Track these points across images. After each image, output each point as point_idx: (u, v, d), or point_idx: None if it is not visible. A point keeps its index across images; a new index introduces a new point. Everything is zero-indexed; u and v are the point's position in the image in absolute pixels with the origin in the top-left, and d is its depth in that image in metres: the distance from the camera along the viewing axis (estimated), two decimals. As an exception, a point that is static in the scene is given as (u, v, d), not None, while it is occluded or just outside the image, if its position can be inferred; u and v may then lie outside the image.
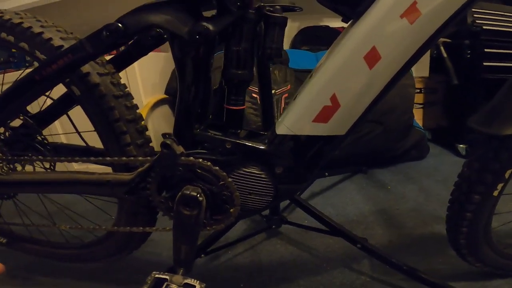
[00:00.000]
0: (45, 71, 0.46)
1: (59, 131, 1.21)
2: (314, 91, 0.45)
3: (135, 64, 1.36)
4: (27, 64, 1.43)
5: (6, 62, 1.35)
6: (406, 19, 0.40)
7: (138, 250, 0.72)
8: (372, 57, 0.41)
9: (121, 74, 1.35)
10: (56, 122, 1.23)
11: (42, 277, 0.81)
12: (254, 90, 1.21)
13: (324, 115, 0.44)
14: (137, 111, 0.57)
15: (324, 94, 0.44)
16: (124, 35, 0.46)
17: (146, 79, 1.31)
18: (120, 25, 0.46)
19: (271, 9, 0.48)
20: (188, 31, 0.46)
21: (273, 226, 0.88)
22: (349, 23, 0.48)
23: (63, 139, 1.23)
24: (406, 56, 0.41)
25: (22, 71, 0.68)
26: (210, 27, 0.45)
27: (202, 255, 0.79)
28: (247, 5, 0.45)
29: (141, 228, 0.60)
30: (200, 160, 0.49)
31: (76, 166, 1.34)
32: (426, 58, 1.44)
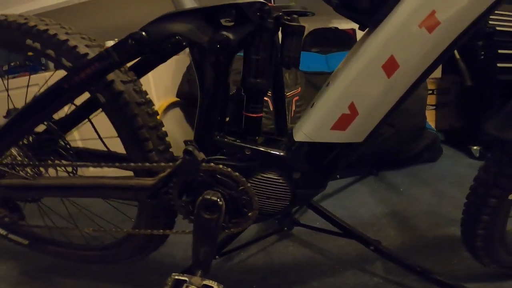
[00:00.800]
0: (73, 79, 0.48)
1: (75, 136, 1.24)
2: (332, 99, 0.46)
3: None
4: (43, 68, 1.47)
5: (22, 66, 1.39)
6: (425, 28, 0.40)
7: (155, 252, 0.74)
8: (390, 66, 0.42)
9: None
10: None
11: (61, 278, 0.83)
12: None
13: (342, 123, 0.45)
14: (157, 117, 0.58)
15: (343, 102, 0.45)
16: (148, 43, 0.48)
17: (159, 82, 1.33)
18: (144, 33, 0.48)
19: (289, 18, 0.49)
20: (208, 40, 0.47)
21: (285, 228, 0.88)
22: (365, 31, 0.49)
23: (79, 144, 1.26)
24: (425, 65, 0.42)
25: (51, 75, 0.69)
26: (231, 36, 0.46)
27: (217, 256, 0.80)
28: (267, 15, 0.46)
29: (161, 230, 0.62)
30: (221, 166, 0.50)
31: (92, 170, 1.37)
32: (438, 60, 1.43)
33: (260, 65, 0.49)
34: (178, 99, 1.44)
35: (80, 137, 1.27)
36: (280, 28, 0.49)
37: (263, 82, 0.50)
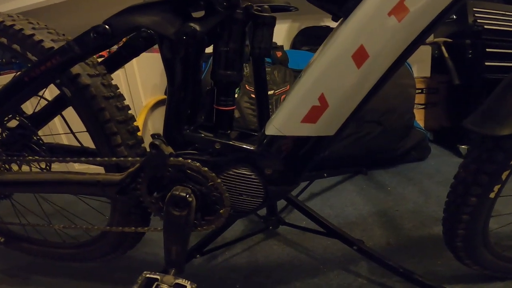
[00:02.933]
0: (34, 72, 0.47)
1: (59, 131, 1.23)
2: (303, 91, 0.45)
3: (135, 65, 1.37)
4: (29, 65, 1.45)
5: (8, 63, 1.37)
6: (394, 17, 0.39)
7: (137, 250, 0.73)
8: (360, 56, 0.41)
9: (121, 75, 1.36)
10: (57, 122, 1.25)
11: (40, 276, 0.82)
12: (253, 91, 1.21)
13: (312, 116, 0.44)
14: (129, 111, 0.57)
15: (312, 94, 0.43)
16: (111, 37, 0.46)
17: (146, 80, 1.32)
18: (107, 26, 0.46)
19: (259, 8, 0.47)
20: (175, 32, 0.45)
21: (271, 227, 0.87)
22: (339, 21, 0.47)
23: (64, 139, 1.24)
24: (395, 55, 0.41)
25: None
26: (197, 27, 0.45)
27: (198, 255, 0.79)
28: (234, 5, 0.44)
29: (133, 228, 0.60)
30: (189, 161, 0.49)
31: (76, 166, 1.35)
32: (427, 58, 1.42)
33: (230, 56, 0.47)
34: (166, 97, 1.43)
35: (57, 131, 1.25)
36: (251, 19, 0.47)
37: (233, 74, 0.48)
